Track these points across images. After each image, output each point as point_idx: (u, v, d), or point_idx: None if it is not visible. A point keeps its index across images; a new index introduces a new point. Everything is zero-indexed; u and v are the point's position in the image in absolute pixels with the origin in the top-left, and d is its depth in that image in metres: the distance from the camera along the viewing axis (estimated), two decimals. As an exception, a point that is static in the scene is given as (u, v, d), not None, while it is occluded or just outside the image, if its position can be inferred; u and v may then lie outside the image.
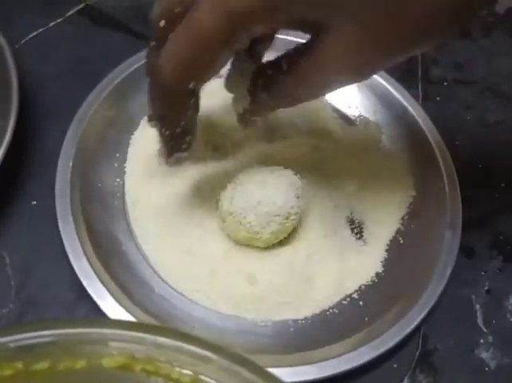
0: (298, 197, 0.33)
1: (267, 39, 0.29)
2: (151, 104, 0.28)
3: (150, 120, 0.29)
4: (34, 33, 0.43)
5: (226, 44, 0.24)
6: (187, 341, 0.20)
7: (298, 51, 0.26)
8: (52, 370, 0.20)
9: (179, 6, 0.25)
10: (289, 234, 0.35)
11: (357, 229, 0.36)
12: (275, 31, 0.29)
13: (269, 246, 0.35)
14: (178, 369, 0.21)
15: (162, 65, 0.25)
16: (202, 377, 0.21)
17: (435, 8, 0.23)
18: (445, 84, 0.44)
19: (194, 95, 0.27)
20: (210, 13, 0.23)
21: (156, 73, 0.26)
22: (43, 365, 0.20)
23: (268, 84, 0.28)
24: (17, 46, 0.42)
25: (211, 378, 0.21)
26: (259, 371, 0.20)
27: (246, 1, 0.23)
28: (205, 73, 0.25)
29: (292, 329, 0.33)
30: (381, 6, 0.23)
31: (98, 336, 0.20)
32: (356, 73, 0.26)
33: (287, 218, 0.33)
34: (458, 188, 0.36)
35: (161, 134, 0.29)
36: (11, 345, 0.19)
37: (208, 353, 0.20)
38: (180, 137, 0.29)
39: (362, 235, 0.36)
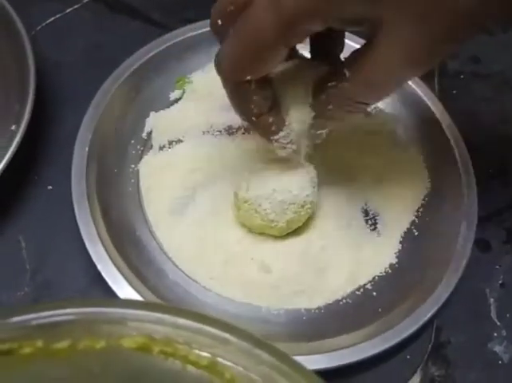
0: (314, 187, 0.33)
1: (337, 38, 0.30)
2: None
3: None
4: (51, 19, 0.43)
5: (280, 41, 0.25)
6: (207, 323, 0.20)
7: (357, 55, 0.26)
8: (72, 349, 0.20)
9: (231, 5, 0.26)
10: (304, 223, 0.35)
11: (372, 220, 0.36)
12: (335, 30, 0.28)
13: (284, 236, 0.35)
14: (196, 351, 0.21)
15: (221, 61, 0.26)
16: (220, 360, 0.21)
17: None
18: (461, 77, 0.44)
19: (253, 82, 0.27)
20: (264, 11, 0.24)
21: (218, 68, 0.27)
22: (63, 344, 0.20)
23: (332, 96, 0.28)
24: (33, 32, 0.42)
25: (229, 361, 0.21)
26: (278, 354, 0.20)
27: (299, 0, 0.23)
28: (260, 68, 0.26)
29: (304, 318, 0.33)
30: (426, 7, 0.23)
31: (119, 315, 0.20)
32: (415, 67, 0.26)
33: (302, 206, 0.33)
34: (474, 181, 0.36)
35: (249, 125, 0.29)
36: (33, 322, 0.19)
37: (227, 335, 0.20)
38: (263, 122, 0.29)
39: (376, 227, 0.36)
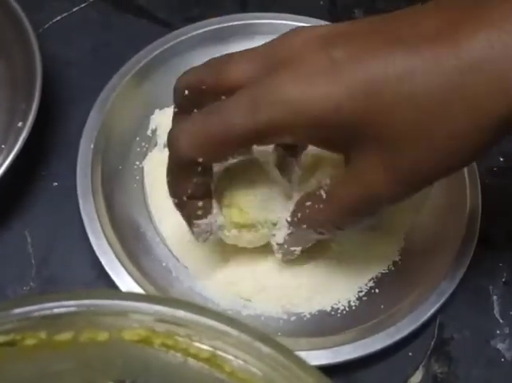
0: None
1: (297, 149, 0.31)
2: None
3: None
4: (58, 18, 0.43)
5: (247, 145, 0.26)
6: (208, 316, 0.20)
7: (334, 179, 0.27)
8: (74, 342, 0.21)
9: (204, 85, 0.26)
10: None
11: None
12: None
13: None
14: (197, 344, 0.21)
15: (178, 136, 0.26)
16: (220, 353, 0.21)
17: (462, 132, 0.23)
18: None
19: (201, 166, 0.27)
20: (241, 111, 0.24)
21: (171, 140, 0.27)
22: (66, 336, 0.21)
23: (307, 216, 0.28)
24: (41, 30, 0.42)
25: (229, 354, 0.21)
26: (279, 348, 0.20)
27: (281, 115, 0.24)
28: (216, 158, 0.27)
29: (308, 316, 0.33)
30: (405, 133, 0.23)
31: (120, 308, 0.20)
32: (388, 199, 0.26)
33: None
34: (478, 179, 0.36)
35: (174, 205, 0.29)
36: (36, 314, 0.20)
37: (228, 328, 0.20)
38: (191, 204, 0.28)
39: (380, 224, 0.36)
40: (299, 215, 0.28)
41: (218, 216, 0.29)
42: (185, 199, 0.28)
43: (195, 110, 0.27)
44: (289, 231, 0.29)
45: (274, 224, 0.30)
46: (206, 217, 0.29)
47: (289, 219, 0.29)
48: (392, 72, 0.23)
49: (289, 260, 0.32)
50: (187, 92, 0.27)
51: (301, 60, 0.24)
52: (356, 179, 0.25)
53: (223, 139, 0.25)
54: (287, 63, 0.24)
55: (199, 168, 0.27)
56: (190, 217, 0.29)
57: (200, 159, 0.26)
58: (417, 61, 0.22)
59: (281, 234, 0.30)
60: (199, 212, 0.29)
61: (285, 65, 0.24)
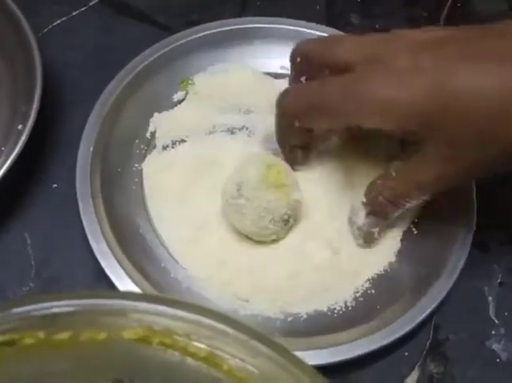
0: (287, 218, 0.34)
1: None
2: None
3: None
4: (58, 22, 0.44)
5: (333, 123, 0.32)
6: (206, 315, 0.20)
7: (403, 161, 0.32)
8: (74, 341, 0.21)
9: (315, 57, 0.32)
10: (302, 223, 0.35)
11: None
12: None
13: (282, 236, 0.35)
14: (195, 342, 0.21)
15: (286, 96, 0.32)
16: (218, 352, 0.21)
17: None
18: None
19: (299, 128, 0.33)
20: (337, 101, 0.30)
21: (279, 97, 0.33)
22: (64, 335, 0.21)
23: (379, 191, 0.32)
24: (40, 34, 0.42)
25: (227, 353, 0.21)
26: (275, 347, 0.20)
27: (364, 112, 0.29)
28: (314, 125, 0.33)
29: (305, 316, 0.34)
30: (474, 138, 0.28)
31: (119, 307, 0.20)
32: (447, 184, 0.31)
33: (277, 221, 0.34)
34: (473, 181, 0.36)
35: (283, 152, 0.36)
36: (34, 313, 0.20)
37: (225, 327, 0.20)
38: (291, 154, 0.35)
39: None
40: (372, 193, 0.33)
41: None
42: (287, 149, 0.35)
43: (302, 78, 0.33)
44: (367, 211, 0.33)
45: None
46: (302, 165, 0.36)
47: (364, 200, 0.33)
48: (469, 84, 0.27)
49: (369, 247, 0.35)
50: (298, 59, 0.33)
51: (395, 65, 0.28)
52: (425, 164, 0.30)
53: (316, 110, 0.31)
54: (383, 64, 0.29)
55: (296, 124, 0.32)
56: (290, 162, 0.35)
57: (297, 124, 0.32)
58: (487, 80, 0.27)
59: (360, 218, 0.34)
60: (298, 160, 0.36)
61: (381, 65, 0.29)
